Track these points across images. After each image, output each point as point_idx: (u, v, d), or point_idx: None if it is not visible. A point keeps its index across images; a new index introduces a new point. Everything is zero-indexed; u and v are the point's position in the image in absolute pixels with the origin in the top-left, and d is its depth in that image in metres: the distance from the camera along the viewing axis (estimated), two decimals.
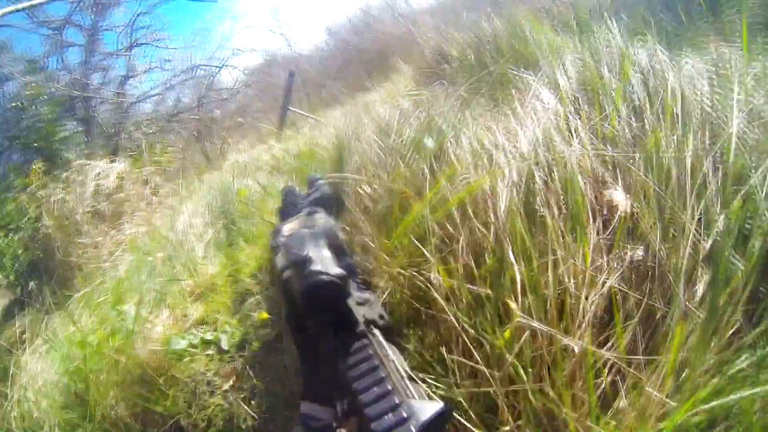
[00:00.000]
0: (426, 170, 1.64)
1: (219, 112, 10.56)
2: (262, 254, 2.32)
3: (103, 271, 3.71)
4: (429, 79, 3.59)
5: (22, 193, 5.31)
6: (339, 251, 1.18)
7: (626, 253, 1.26)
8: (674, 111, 1.53)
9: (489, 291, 1.26)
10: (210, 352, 1.91)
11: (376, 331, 1.01)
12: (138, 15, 8.36)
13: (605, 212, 1.38)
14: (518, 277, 1.23)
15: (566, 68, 2.03)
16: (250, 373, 1.79)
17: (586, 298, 1.18)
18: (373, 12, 13.49)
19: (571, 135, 1.58)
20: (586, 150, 1.49)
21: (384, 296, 1.51)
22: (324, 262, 1.05)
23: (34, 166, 5.56)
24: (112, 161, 5.82)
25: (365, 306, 1.08)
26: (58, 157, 6.10)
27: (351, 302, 1.06)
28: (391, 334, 1.06)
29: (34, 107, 6.47)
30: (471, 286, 1.29)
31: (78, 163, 5.54)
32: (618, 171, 1.46)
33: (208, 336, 1.96)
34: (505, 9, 3.63)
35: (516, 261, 1.25)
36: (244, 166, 4.86)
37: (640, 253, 1.27)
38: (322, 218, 1.44)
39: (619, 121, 1.60)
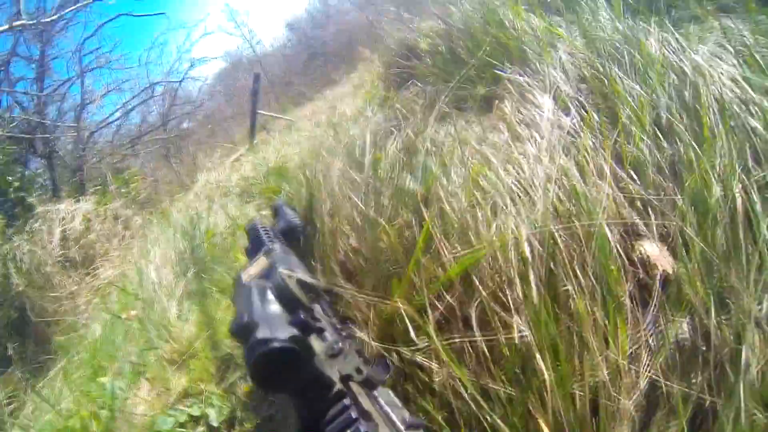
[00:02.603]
0: (413, 221, 1.41)
1: (189, 125, 10.36)
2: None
3: (79, 328, 3.75)
4: (399, 78, 3.33)
5: None
6: (290, 301, 1.03)
7: (668, 326, 1.03)
8: (709, 123, 1.23)
9: (511, 390, 1.04)
10: (200, 429, 1.74)
11: (357, 387, 0.90)
12: (85, 39, 8.03)
13: (639, 271, 1.13)
14: (545, 375, 0.99)
15: (562, 63, 1.72)
16: None
17: (624, 394, 0.97)
18: (332, 1, 13.31)
19: (586, 160, 1.27)
20: (611, 189, 1.22)
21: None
22: (271, 323, 0.90)
23: None
24: (77, 200, 5.65)
25: (339, 357, 0.96)
26: (19, 205, 5.82)
27: (319, 360, 0.90)
28: (375, 385, 0.94)
29: None
30: (491, 385, 1.06)
31: (41, 210, 5.35)
32: (649, 212, 1.21)
33: (195, 411, 1.78)
34: None
35: (539, 350, 1.02)
36: (214, 188, 4.71)
37: (685, 328, 1.03)
38: (278, 257, 1.30)
39: (643, 139, 1.29)
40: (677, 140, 1.28)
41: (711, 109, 1.28)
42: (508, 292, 1.12)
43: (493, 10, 2.50)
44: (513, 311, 1.08)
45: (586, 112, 1.49)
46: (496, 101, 1.97)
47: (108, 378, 2.08)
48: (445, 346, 1.12)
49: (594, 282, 1.09)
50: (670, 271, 1.08)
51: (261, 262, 1.29)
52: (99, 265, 4.98)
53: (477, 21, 2.58)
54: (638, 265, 1.13)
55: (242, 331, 0.89)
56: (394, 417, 0.83)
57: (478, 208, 1.31)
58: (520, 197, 1.30)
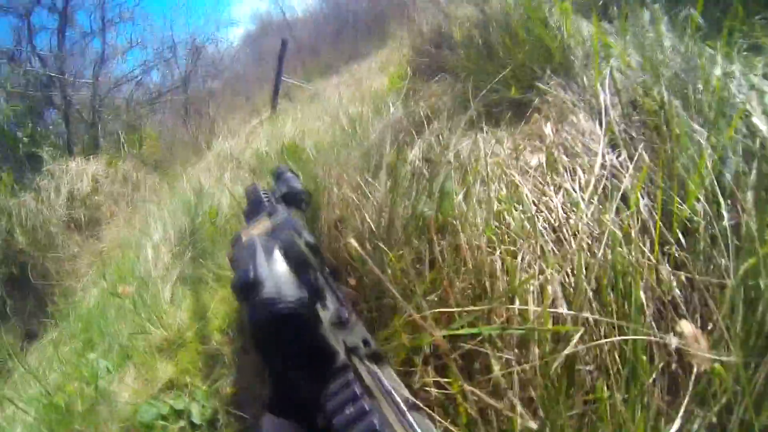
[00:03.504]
0: (425, 251, 1.27)
1: (212, 84, 10.29)
2: (234, 298, 2.07)
3: (77, 293, 3.76)
4: (428, 67, 3.19)
5: None
6: (300, 262, 0.93)
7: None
8: None
9: None
10: (182, 423, 1.72)
11: (360, 361, 0.85)
12: None
13: (671, 358, 1.00)
14: None
15: (614, 82, 1.54)
16: None
17: None
18: None
19: (632, 213, 1.12)
20: (654, 256, 1.08)
21: None
22: (279, 282, 0.83)
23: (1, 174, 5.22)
24: (88, 159, 5.57)
25: (345, 329, 0.92)
26: (31, 159, 5.78)
27: (324, 328, 0.85)
28: (382, 359, 0.88)
29: None
30: None
31: (51, 167, 5.32)
32: (694, 287, 1.07)
33: (179, 404, 1.77)
34: None
35: None
36: (227, 158, 4.67)
37: None
38: (282, 219, 1.22)
39: (699, 199, 1.13)
40: (739, 207, 1.11)
41: None
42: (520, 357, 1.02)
43: (538, 5, 2.32)
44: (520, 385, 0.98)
45: (636, 149, 1.32)
46: (532, 111, 1.84)
47: (96, 355, 2.11)
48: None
49: (619, 361, 0.99)
50: (703, 369, 0.94)
51: (263, 223, 1.23)
52: (104, 228, 4.96)
53: (518, 15, 2.40)
54: (672, 350, 1.00)
55: (246, 288, 0.81)
56: (396, 396, 0.76)
57: (498, 250, 1.18)
58: (548, 243, 1.17)
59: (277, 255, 0.92)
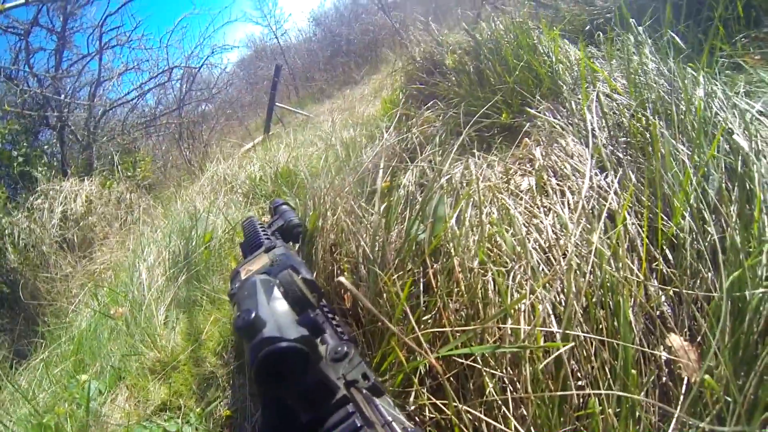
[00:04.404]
0: (419, 273, 1.29)
1: (206, 107, 10.31)
2: (229, 320, 2.17)
3: (68, 314, 3.68)
4: (420, 93, 3.21)
5: None
6: (299, 301, 0.97)
7: None
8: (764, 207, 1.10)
9: None
10: None
11: (359, 394, 0.86)
12: (107, 15, 7.88)
13: (663, 373, 1.03)
14: None
15: (601, 105, 1.57)
16: None
17: None
18: (362, 1, 13.31)
19: (619, 231, 1.14)
20: (642, 272, 1.11)
21: None
22: (279, 321, 0.86)
23: None
24: (82, 179, 5.55)
25: (344, 362, 0.92)
26: (25, 178, 5.77)
27: (324, 363, 0.87)
28: (381, 392, 0.89)
29: None
30: None
31: (45, 187, 5.31)
32: (682, 299, 1.09)
33: (172, 427, 1.75)
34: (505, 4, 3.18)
35: None
36: (221, 181, 4.66)
37: None
38: (280, 255, 1.30)
39: (685, 216, 1.16)
40: (723, 222, 1.13)
41: (765, 186, 1.14)
42: (513, 376, 1.03)
43: (527, 32, 2.36)
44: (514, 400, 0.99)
45: (622, 169, 1.35)
46: (522, 136, 1.86)
47: (88, 376, 2.08)
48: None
49: (610, 376, 1.02)
50: (693, 380, 0.97)
51: (261, 259, 1.30)
52: (97, 249, 4.91)
53: (508, 42, 2.44)
54: (662, 364, 1.03)
55: (248, 328, 0.84)
56: (396, 427, 0.79)
57: (490, 271, 1.20)
58: (539, 263, 1.19)
59: (277, 294, 0.96)
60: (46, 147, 6.97)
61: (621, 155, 1.41)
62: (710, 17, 2.09)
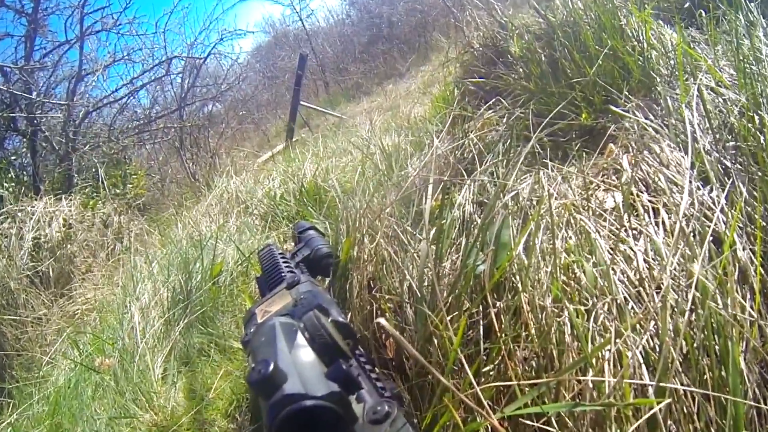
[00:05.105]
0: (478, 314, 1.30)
1: (213, 108, 10.38)
2: (242, 374, 2.14)
3: (43, 367, 3.65)
4: (479, 89, 3.21)
5: None
6: (328, 347, 0.98)
7: None
8: None
9: None
10: None
11: None
12: None
13: None
14: None
15: (704, 103, 1.59)
16: None
17: None
18: None
19: (732, 265, 1.15)
20: (758, 314, 1.12)
21: None
22: (304, 374, 0.87)
23: None
24: (58, 198, 5.59)
25: (385, 424, 0.88)
26: None
27: (359, 425, 0.87)
28: None
29: None
30: None
31: (12, 208, 5.34)
32: None
33: None
34: None
35: None
36: (233, 200, 4.74)
37: None
38: (305, 293, 1.28)
39: None
40: None
41: None
42: None
43: (612, 12, 2.37)
44: None
45: (731, 181, 1.36)
46: (606, 141, 1.86)
47: None
48: None
49: None
50: None
51: (283, 297, 1.29)
52: (77, 285, 4.91)
53: (589, 24, 2.45)
54: None
55: (266, 383, 0.84)
56: None
57: (567, 311, 1.20)
58: (627, 300, 1.20)
59: (301, 340, 0.98)
60: (13, 158, 6.97)
61: (729, 164, 1.42)
62: None
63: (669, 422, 1.01)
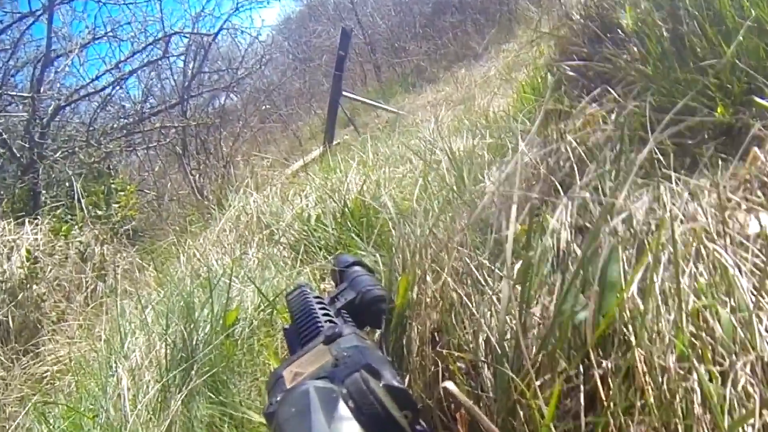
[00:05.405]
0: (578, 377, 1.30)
1: (231, 100, 10.45)
2: None
3: None
4: (579, 76, 3.21)
5: None
6: (379, 420, 0.95)
7: None
8: None
9: None
10: None
11: None
12: None
13: None
14: None
15: None
16: None
17: None
18: None
19: None
20: None
21: None
22: None
23: None
24: (19, 223, 5.64)
25: None
26: None
27: None
28: None
29: None
30: None
31: None
32: None
33: None
34: None
35: None
36: (253, 223, 4.74)
37: None
38: (349, 349, 1.20)
39: None
40: None
41: None
42: None
43: None
44: None
45: None
46: (750, 143, 1.86)
47: None
48: None
49: None
50: None
51: (319, 355, 1.25)
52: (47, 338, 4.93)
53: None
54: None
55: None
56: None
57: (696, 372, 1.21)
58: None
59: (344, 411, 0.95)
60: None
61: None
62: None
63: None
